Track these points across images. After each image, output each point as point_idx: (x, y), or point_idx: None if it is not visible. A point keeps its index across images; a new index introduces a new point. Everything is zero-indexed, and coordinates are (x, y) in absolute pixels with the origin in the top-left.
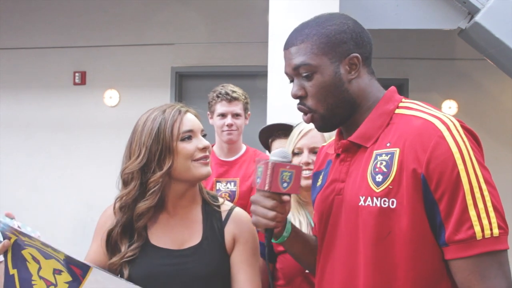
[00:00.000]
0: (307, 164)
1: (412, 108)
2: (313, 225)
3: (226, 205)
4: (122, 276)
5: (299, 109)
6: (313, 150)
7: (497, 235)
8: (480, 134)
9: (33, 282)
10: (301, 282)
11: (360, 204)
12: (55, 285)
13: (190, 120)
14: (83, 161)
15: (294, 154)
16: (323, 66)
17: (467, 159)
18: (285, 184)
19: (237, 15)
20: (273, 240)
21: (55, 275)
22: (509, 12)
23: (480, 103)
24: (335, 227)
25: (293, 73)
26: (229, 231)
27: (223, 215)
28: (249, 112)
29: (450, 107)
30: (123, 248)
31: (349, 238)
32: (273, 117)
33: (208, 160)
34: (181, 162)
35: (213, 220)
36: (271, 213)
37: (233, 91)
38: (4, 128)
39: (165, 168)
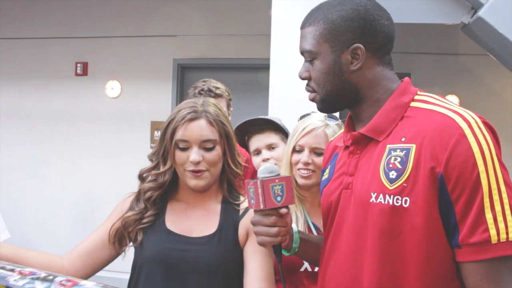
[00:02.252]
0: (306, 164)
1: (430, 102)
2: (309, 221)
3: (246, 203)
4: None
5: (306, 89)
6: (314, 151)
7: None
8: None
9: None
10: (301, 277)
11: (371, 200)
12: None
13: (191, 130)
14: (85, 152)
15: (295, 150)
16: (323, 54)
17: (488, 159)
18: (278, 198)
19: (240, 7)
20: (285, 253)
21: None
22: None
23: (482, 98)
24: (342, 222)
25: (302, 55)
26: (243, 224)
27: (241, 211)
28: (231, 108)
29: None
30: (137, 208)
31: (357, 234)
32: (274, 110)
33: (198, 174)
34: (178, 167)
35: (231, 215)
36: (273, 230)
37: (216, 87)
38: (5, 119)
39: (166, 167)
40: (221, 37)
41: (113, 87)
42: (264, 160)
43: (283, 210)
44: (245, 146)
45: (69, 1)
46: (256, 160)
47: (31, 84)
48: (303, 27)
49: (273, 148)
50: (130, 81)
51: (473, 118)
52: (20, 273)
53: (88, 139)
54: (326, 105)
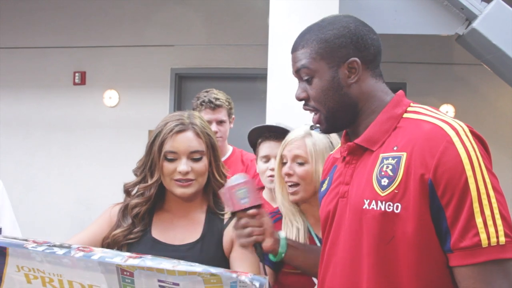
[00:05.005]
0: (288, 175)
1: (421, 112)
2: (313, 234)
3: (230, 213)
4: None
5: (305, 109)
6: (295, 160)
7: (503, 243)
8: None
9: None
10: None
11: (364, 207)
12: None
13: (179, 142)
14: (82, 161)
15: (282, 163)
16: (321, 71)
17: (476, 165)
18: (244, 200)
19: (237, 17)
20: (273, 258)
21: None
22: (506, 19)
23: (477, 108)
24: (339, 229)
25: (297, 76)
26: (228, 232)
27: (225, 220)
28: (233, 116)
29: (447, 111)
30: (124, 224)
31: (353, 241)
32: (272, 120)
33: (186, 183)
34: (165, 178)
35: (215, 223)
36: (247, 230)
37: (217, 98)
38: (3, 127)
39: (154, 179)
40: (219, 47)
41: (111, 96)
42: (271, 169)
43: (251, 211)
44: (255, 148)
45: (67, 11)
46: (262, 166)
47: (29, 93)
48: (295, 50)
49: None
50: (128, 90)
51: (461, 127)
52: (34, 241)
53: (86, 148)
54: (330, 124)
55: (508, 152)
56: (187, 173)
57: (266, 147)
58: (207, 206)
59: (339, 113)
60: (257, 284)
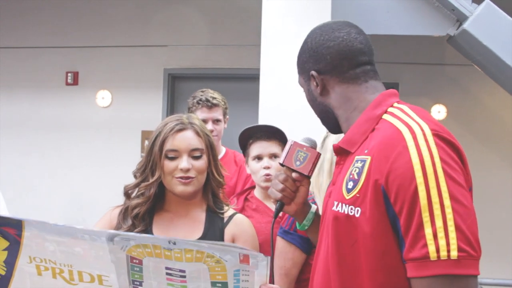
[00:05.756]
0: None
1: (395, 114)
2: None
3: (230, 211)
4: None
5: None
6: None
7: (455, 257)
8: (468, 139)
9: None
10: None
11: (333, 209)
12: None
13: (180, 140)
14: (75, 161)
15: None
16: (303, 85)
17: (430, 171)
18: (298, 162)
19: (230, 17)
20: (298, 226)
21: None
22: (496, 20)
23: (469, 108)
24: (323, 229)
25: None
26: (229, 231)
27: (225, 219)
28: (227, 116)
29: (439, 111)
30: (125, 226)
31: (326, 242)
32: (265, 120)
33: (187, 181)
34: (166, 176)
35: (215, 222)
36: (280, 185)
37: (213, 98)
38: None
39: (155, 178)
40: (212, 47)
41: (103, 97)
42: (265, 168)
43: (296, 175)
44: (245, 149)
45: (60, 11)
46: (255, 165)
47: (21, 93)
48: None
49: (274, 157)
50: (120, 91)
51: (422, 130)
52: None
53: (79, 148)
54: (327, 128)
55: (499, 152)
56: (188, 170)
57: (257, 147)
58: (207, 205)
59: (324, 119)
60: (261, 260)
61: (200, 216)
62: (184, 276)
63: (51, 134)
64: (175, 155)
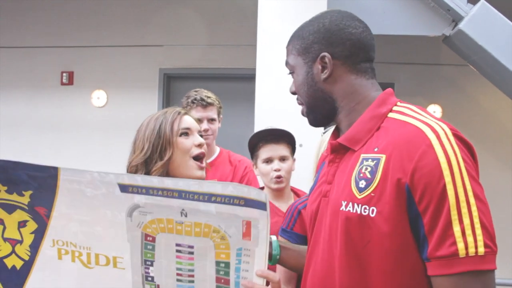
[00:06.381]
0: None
1: (405, 113)
2: None
3: None
4: None
5: (297, 102)
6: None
7: (482, 253)
8: None
9: None
10: None
11: (341, 209)
12: (21, 241)
13: (187, 121)
14: (70, 161)
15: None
16: (298, 66)
17: (456, 170)
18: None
19: (226, 17)
20: (268, 262)
21: (20, 229)
22: (491, 20)
23: (464, 108)
24: (319, 229)
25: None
26: None
27: None
28: (221, 116)
29: (434, 111)
30: None
31: (329, 243)
32: (261, 120)
33: (203, 165)
34: (180, 156)
35: None
36: None
37: (208, 97)
38: None
39: (165, 158)
40: (208, 47)
41: (99, 97)
42: (276, 170)
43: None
44: (254, 151)
45: (55, 11)
46: (265, 167)
47: (16, 93)
48: (287, 45)
49: (283, 160)
50: (116, 91)
51: (443, 130)
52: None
53: (74, 149)
54: (311, 117)
55: (494, 152)
56: (202, 144)
57: (267, 150)
58: None
59: (317, 108)
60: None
61: None
62: (192, 253)
63: (46, 134)
64: (188, 132)
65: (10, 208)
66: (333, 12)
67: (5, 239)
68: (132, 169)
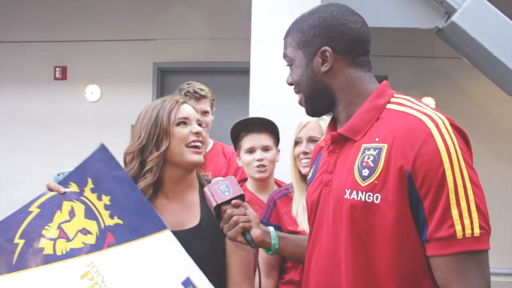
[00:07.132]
0: (305, 153)
1: (404, 104)
2: None
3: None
4: None
5: (294, 91)
6: (311, 139)
7: (478, 235)
8: None
9: (45, 227)
10: None
11: (345, 196)
12: (69, 239)
13: (186, 110)
14: (64, 157)
15: (296, 144)
16: (298, 59)
17: (454, 158)
18: (226, 193)
19: (220, 11)
20: (267, 253)
21: (79, 233)
22: (484, 13)
23: (457, 100)
24: (322, 217)
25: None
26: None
27: None
28: (214, 109)
29: (427, 104)
30: None
31: (334, 230)
32: (255, 114)
33: (200, 150)
34: (176, 145)
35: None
36: (233, 219)
37: (201, 89)
38: None
39: (161, 149)
40: (201, 41)
41: (92, 91)
42: (258, 160)
43: (235, 201)
44: (237, 141)
45: (48, 4)
46: (247, 157)
47: (9, 89)
48: (284, 37)
49: (267, 150)
50: (110, 85)
51: (441, 120)
52: None
53: (68, 144)
54: (309, 107)
55: (487, 144)
56: (200, 133)
57: (250, 140)
58: (199, 183)
59: (315, 98)
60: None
61: (194, 199)
62: None
63: (39, 129)
64: (186, 121)
65: (91, 215)
66: (332, 6)
67: (58, 226)
68: (128, 157)
